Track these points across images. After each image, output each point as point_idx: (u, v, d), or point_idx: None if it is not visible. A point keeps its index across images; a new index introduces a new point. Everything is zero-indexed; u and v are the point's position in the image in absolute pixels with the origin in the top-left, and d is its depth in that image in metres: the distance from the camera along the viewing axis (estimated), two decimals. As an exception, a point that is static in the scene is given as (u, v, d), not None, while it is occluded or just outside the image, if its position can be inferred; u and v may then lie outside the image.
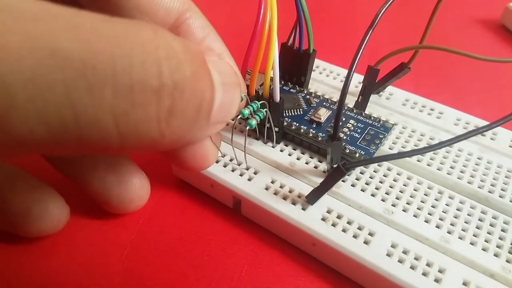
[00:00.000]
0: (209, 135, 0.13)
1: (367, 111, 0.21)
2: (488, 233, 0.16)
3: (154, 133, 0.09)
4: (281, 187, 0.17)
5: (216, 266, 0.17)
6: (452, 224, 0.16)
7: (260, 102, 0.16)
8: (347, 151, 0.18)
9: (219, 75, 0.12)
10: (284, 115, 0.20)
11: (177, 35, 0.12)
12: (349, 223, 0.16)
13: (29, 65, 0.07)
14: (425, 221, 0.16)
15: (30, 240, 0.17)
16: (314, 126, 0.19)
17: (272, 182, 0.18)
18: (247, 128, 0.16)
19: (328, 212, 0.16)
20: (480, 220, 0.16)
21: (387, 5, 0.15)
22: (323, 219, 0.16)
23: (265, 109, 0.17)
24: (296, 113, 0.20)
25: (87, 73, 0.08)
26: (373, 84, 0.20)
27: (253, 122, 0.16)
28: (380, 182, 0.18)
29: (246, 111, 0.16)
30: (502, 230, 0.16)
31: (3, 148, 0.08)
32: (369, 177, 0.18)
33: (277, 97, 0.17)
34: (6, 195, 0.15)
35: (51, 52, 0.08)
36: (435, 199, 0.17)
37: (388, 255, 0.15)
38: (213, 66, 0.11)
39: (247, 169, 0.18)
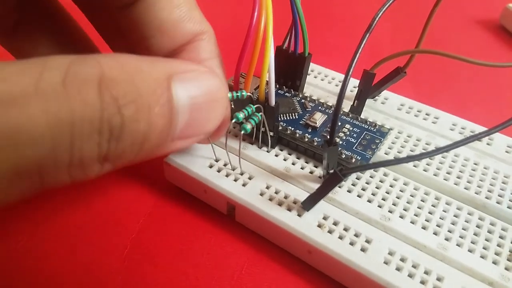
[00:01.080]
0: (183, 147, 0.13)
1: (362, 116, 0.20)
2: (486, 240, 0.16)
3: (97, 168, 0.11)
4: (276, 192, 0.17)
5: (216, 264, 0.16)
6: (449, 231, 0.16)
7: (255, 106, 0.16)
8: (343, 156, 0.18)
9: (189, 94, 0.12)
10: (279, 119, 0.19)
11: (181, 51, 0.13)
12: (345, 230, 0.16)
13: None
14: (422, 228, 0.16)
15: (30, 240, 0.17)
16: (310, 130, 0.19)
17: (267, 187, 0.17)
18: (242, 132, 0.16)
19: (324, 218, 0.16)
20: (478, 226, 0.16)
21: (385, 8, 0.15)
22: (319, 226, 0.16)
23: (260, 113, 0.16)
24: (291, 117, 0.20)
25: (55, 148, 0.09)
26: (369, 89, 0.20)
27: (248, 127, 0.16)
28: (377, 187, 0.17)
29: (241, 115, 0.16)
30: (500, 237, 0.16)
31: None
32: (366, 183, 0.17)
33: (273, 101, 0.17)
34: None
35: (30, 143, 0.09)
36: (432, 205, 0.17)
37: (385, 262, 0.15)
38: (182, 86, 0.11)
39: (242, 174, 0.18)
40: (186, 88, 0.12)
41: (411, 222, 0.16)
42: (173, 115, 0.11)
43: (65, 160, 0.09)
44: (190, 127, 0.12)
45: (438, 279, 0.14)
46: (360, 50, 0.15)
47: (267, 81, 0.16)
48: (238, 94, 0.15)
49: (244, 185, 0.17)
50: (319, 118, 0.19)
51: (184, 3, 0.15)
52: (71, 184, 0.10)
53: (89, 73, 0.09)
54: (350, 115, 0.20)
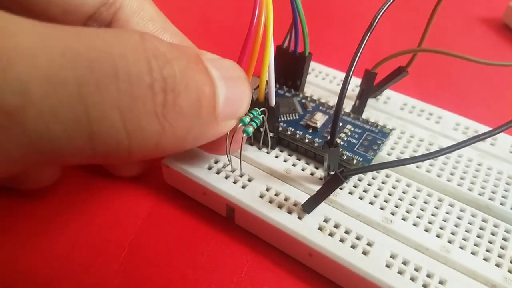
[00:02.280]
0: (222, 133, 0.13)
1: (364, 116, 0.20)
2: (490, 242, 0.15)
3: (155, 127, 0.10)
4: (276, 195, 0.17)
5: (216, 266, 0.16)
6: (452, 233, 0.16)
7: (261, 110, 0.16)
8: (345, 157, 0.17)
9: (219, 70, 0.12)
10: (279, 119, 0.19)
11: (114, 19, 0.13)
12: (347, 232, 0.16)
13: (42, 64, 0.08)
14: (425, 230, 0.16)
15: (28, 242, 0.17)
16: (310, 131, 0.19)
17: (267, 189, 0.17)
18: (244, 135, 0.16)
19: (325, 221, 0.16)
20: (481, 228, 0.16)
21: (386, 7, 0.15)
22: (320, 229, 0.16)
23: (261, 115, 0.16)
24: (291, 118, 0.19)
25: (95, 71, 0.09)
26: (370, 88, 0.20)
27: (250, 129, 0.15)
28: (379, 189, 0.17)
29: (247, 119, 0.15)
30: (504, 239, 0.16)
31: (22, 150, 0.08)
32: (367, 184, 0.17)
33: (273, 102, 0.16)
34: None
35: (62, 51, 0.08)
36: (435, 207, 0.16)
37: (387, 266, 0.15)
38: (211, 63, 0.12)
39: (241, 176, 0.17)
40: (214, 63, 0.12)
41: (413, 224, 0.16)
42: (213, 84, 0.11)
43: (111, 92, 0.09)
44: (229, 105, 0.12)
45: (441, 282, 0.14)
46: (361, 49, 0.14)
47: (267, 81, 0.16)
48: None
49: (243, 187, 0.17)
50: (319, 119, 0.19)
51: (157, 16, 0.16)
52: (129, 141, 0.10)
53: (130, 36, 0.10)
54: (352, 115, 0.20)
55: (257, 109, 0.16)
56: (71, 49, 0.08)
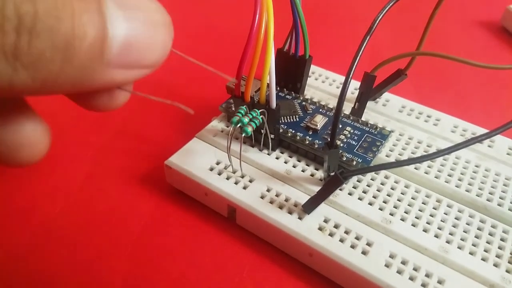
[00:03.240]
0: (120, 81, 0.11)
1: (363, 118, 0.20)
2: (488, 242, 0.16)
3: (2, 65, 0.09)
4: (277, 195, 0.17)
5: (217, 267, 0.16)
6: (451, 234, 0.16)
7: (260, 111, 0.16)
8: (344, 158, 0.18)
9: (124, 10, 0.10)
10: (280, 121, 0.19)
11: None
12: (346, 232, 0.16)
13: None
14: (423, 231, 0.16)
15: (31, 241, 0.17)
16: (311, 133, 0.19)
17: (268, 190, 0.17)
18: (243, 135, 0.16)
19: (325, 221, 0.16)
20: (479, 229, 0.16)
21: (385, 11, 0.15)
22: (320, 229, 0.16)
23: (261, 116, 0.16)
24: (292, 120, 0.20)
25: None
26: (369, 91, 0.20)
27: (249, 129, 0.16)
28: (378, 190, 0.17)
29: (246, 119, 0.16)
30: (502, 240, 0.16)
31: None
32: (367, 185, 0.17)
33: (273, 104, 0.17)
34: None
35: None
36: (434, 208, 0.17)
37: (386, 265, 0.15)
38: (115, 2, 0.10)
39: (242, 177, 0.18)
40: (120, 5, 0.10)
41: (412, 224, 0.16)
42: (105, 28, 0.10)
43: None
44: (129, 53, 0.10)
45: (439, 282, 0.14)
46: (360, 52, 0.15)
47: (267, 83, 0.16)
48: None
49: (244, 188, 0.17)
50: (319, 121, 0.19)
51: None
52: None
53: None
54: (351, 118, 0.20)
55: (256, 109, 0.16)
56: None
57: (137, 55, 0.10)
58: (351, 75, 0.14)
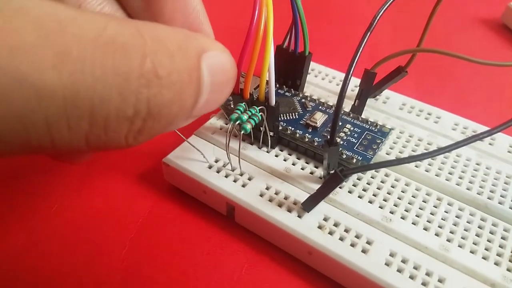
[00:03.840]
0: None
1: (363, 115, 0.20)
2: (488, 241, 0.16)
3: (121, 146, 0.09)
4: (276, 193, 0.17)
5: (216, 264, 0.16)
6: (451, 232, 0.16)
7: (259, 108, 0.16)
8: (344, 156, 0.17)
9: (211, 74, 0.11)
10: (279, 119, 0.19)
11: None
12: (346, 231, 0.16)
13: (17, 107, 0.07)
14: (424, 229, 0.16)
15: (29, 240, 0.17)
16: (310, 130, 0.19)
17: (267, 188, 0.17)
18: (242, 132, 0.16)
19: (325, 219, 0.16)
20: (479, 227, 0.16)
21: (386, 7, 0.15)
22: (320, 227, 0.16)
23: (260, 113, 0.16)
24: (291, 117, 0.19)
25: (67, 109, 0.08)
26: (370, 88, 0.20)
27: (248, 126, 0.16)
28: (378, 188, 0.17)
29: (245, 117, 0.15)
30: (502, 238, 0.16)
31: None
32: (367, 183, 0.17)
33: (273, 101, 0.16)
34: None
35: (37, 93, 0.07)
36: (434, 206, 0.17)
37: (386, 264, 0.15)
38: (207, 65, 0.11)
39: (241, 174, 0.18)
40: (210, 69, 0.11)
41: (412, 223, 0.16)
42: (199, 94, 0.11)
43: (82, 126, 0.08)
44: (206, 106, 0.11)
45: (440, 281, 0.14)
46: (361, 49, 0.14)
47: (267, 80, 0.16)
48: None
49: (243, 185, 0.17)
50: (319, 118, 0.19)
51: None
52: (88, 150, 0.09)
53: (130, 42, 0.08)
54: (351, 115, 0.20)
55: (255, 107, 0.16)
56: (46, 88, 0.07)
57: (210, 107, 0.12)
58: (351, 72, 0.14)
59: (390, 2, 0.15)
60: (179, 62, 0.10)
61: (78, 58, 0.08)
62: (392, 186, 0.17)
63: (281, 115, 0.19)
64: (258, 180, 0.17)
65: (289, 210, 0.16)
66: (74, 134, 0.08)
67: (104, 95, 0.08)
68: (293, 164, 0.18)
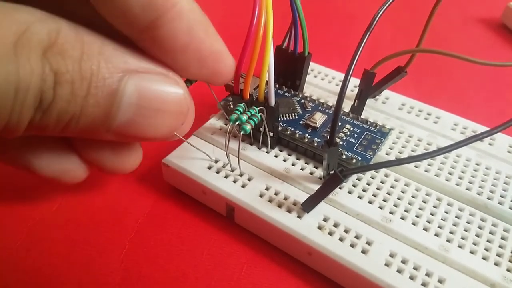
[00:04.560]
0: (120, 140, 0.13)
1: (363, 116, 0.20)
2: (488, 241, 0.16)
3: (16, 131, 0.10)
4: (275, 194, 0.17)
5: (216, 265, 0.16)
6: (451, 232, 0.16)
7: (258, 108, 0.16)
8: (344, 157, 0.17)
9: (139, 98, 0.11)
10: (279, 119, 0.19)
11: (154, 40, 0.12)
12: (346, 231, 0.16)
13: None
14: (423, 229, 0.16)
15: (29, 240, 0.17)
16: (310, 131, 0.19)
17: (267, 188, 0.17)
18: (241, 133, 0.16)
19: (325, 220, 0.16)
20: (479, 227, 0.16)
21: (385, 7, 0.15)
22: (319, 228, 0.16)
23: (259, 114, 0.16)
24: (291, 118, 0.19)
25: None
26: (369, 88, 0.20)
27: (248, 127, 0.16)
28: (378, 189, 0.17)
29: (244, 117, 0.15)
30: (502, 238, 0.16)
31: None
32: (366, 184, 0.17)
33: (272, 101, 0.16)
34: None
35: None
36: (434, 206, 0.17)
37: (386, 264, 0.15)
38: (137, 84, 0.11)
39: (241, 175, 0.18)
40: (139, 89, 0.11)
41: (412, 223, 0.16)
42: (112, 109, 0.11)
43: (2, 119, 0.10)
44: (130, 127, 0.12)
45: (440, 281, 0.14)
46: (360, 49, 0.14)
47: (266, 81, 0.16)
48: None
49: (243, 186, 0.17)
50: (319, 118, 0.19)
51: None
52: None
53: (41, 40, 0.09)
54: (351, 115, 0.20)
55: (254, 107, 0.16)
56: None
57: (137, 130, 0.12)
58: (350, 73, 0.14)
59: (389, 2, 0.15)
60: (85, 67, 0.10)
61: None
62: (392, 187, 0.17)
63: (281, 115, 0.19)
64: (257, 180, 0.17)
65: (289, 211, 0.16)
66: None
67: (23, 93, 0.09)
68: (293, 165, 0.18)
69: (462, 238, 0.16)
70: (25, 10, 0.10)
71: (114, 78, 0.11)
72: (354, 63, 0.14)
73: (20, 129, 0.10)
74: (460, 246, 0.15)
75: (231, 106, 0.20)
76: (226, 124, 0.20)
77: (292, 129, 0.19)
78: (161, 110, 0.12)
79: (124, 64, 0.11)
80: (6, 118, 0.10)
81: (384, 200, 0.17)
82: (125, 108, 0.11)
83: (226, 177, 0.17)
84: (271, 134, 0.18)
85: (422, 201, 0.17)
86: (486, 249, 0.15)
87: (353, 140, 0.18)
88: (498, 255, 0.15)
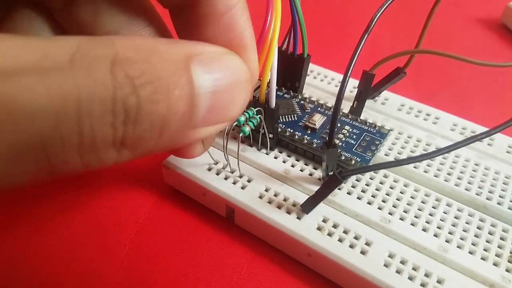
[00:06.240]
0: (205, 137, 0.12)
1: (362, 117, 0.20)
2: (487, 241, 0.16)
3: (112, 155, 0.10)
4: (275, 195, 0.17)
5: (216, 266, 0.16)
6: (450, 233, 0.16)
7: (256, 109, 0.16)
8: (343, 158, 0.17)
9: (213, 73, 0.11)
10: (279, 121, 0.19)
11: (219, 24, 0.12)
12: (345, 232, 0.16)
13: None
14: (422, 230, 0.16)
15: (30, 240, 0.17)
16: (309, 132, 0.19)
17: (266, 190, 0.17)
18: (241, 135, 0.16)
19: (324, 221, 0.16)
20: (478, 228, 0.16)
21: (383, 8, 0.15)
22: (319, 229, 0.16)
23: (259, 116, 0.16)
24: (290, 119, 0.20)
25: (60, 126, 0.08)
26: (368, 89, 0.20)
27: (247, 129, 0.16)
28: (377, 189, 0.17)
29: (242, 118, 0.15)
30: (501, 238, 0.16)
31: None
32: (365, 185, 0.17)
33: (273, 103, 0.17)
34: None
35: (28, 117, 0.08)
36: (433, 207, 0.17)
37: (385, 265, 0.15)
38: (204, 66, 0.11)
39: (241, 176, 0.18)
40: (206, 70, 0.11)
41: (411, 224, 0.16)
42: (194, 98, 0.11)
43: (73, 140, 0.09)
44: (213, 113, 0.11)
45: (439, 282, 0.14)
46: (359, 50, 0.15)
47: (268, 82, 0.16)
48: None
49: (243, 187, 0.17)
50: (318, 120, 0.19)
51: None
52: (85, 170, 0.10)
53: (101, 53, 0.09)
54: (350, 116, 0.20)
55: (252, 108, 0.16)
56: (37, 107, 0.08)
57: (221, 113, 0.12)
58: (349, 74, 0.14)
59: (388, 3, 0.15)
60: (155, 63, 0.10)
61: (56, 70, 0.08)
62: (391, 187, 0.17)
63: (280, 116, 0.19)
64: (257, 182, 0.17)
65: (289, 212, 0.16)
66: (67, 150, 0.09)
67: (87, 105, 0.09)
68: (292, 166, 0.18)
69: (461, 239, 0.16)
70: (68, 36, 0.09)
71: (182, 67, 0.10)
72: (353, 64, 0.14)
73: (106, 146, 0.09)
74: (459, 247, 0.15)
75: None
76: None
77: (292, 130, 0.19)
78: (232, 86, 0.12)
79: (182, 50, 0.11)
80: (74, 132, 0.09)
81: (383, 201, 0.17)
82: (203, 93, 0.11)
83: (226, 178, 0.17)
84: (270, 135, 0.18)
85: (421, 202, 0.17)
86: (485, 250, 0.15)
87: (352, 141, 0.18)
88: (497, 255, 0.15)
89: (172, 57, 0.10)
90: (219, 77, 0.11)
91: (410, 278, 0.14)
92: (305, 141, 0.18)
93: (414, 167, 0.18)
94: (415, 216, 0.16)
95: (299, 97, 0.21)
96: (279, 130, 0.19)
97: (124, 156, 0.10)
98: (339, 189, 0.17)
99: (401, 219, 0.16)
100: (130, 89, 0.09)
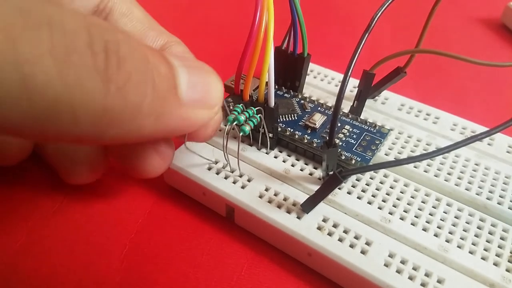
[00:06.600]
0: (193, 121, 0.13)
1: (362, 116, 0.20)
2: (487, 241, 0.16)
3: (97, 84, 0.09)
4: (275, 195, 0.17)
5: (216, 265, 0.16)
6: (450, 233, 0.16)
7: (256, 109, 0.16)
8: (343, 157, 0.17)
9: (182, 60, 0.12)
10: (278, 120, 0.19)
11: None
12: (345, 232, 0.16)
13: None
14: (423, 230, 0.16)
15: (29, 240, 0.17)
16: (309, 131, 0.19)
17: (266, 189, 0.17)
18: (241, 134, 0.16)
19: (324, 220, 0.16)
20: (479, 228, 0.16)
21: (384, 8, 0.15)
22: (319, 228, 0.16)
23: (259, 115, 0.16)
24: (290, 119, 0.20)
25: (23, 14, 0.08)
26: (368, 89, 0.20)
27: (247, 128, 0.16)
28: (377, 189, 0.17)
29: (242, 117, 0.15)
30: (501, 238, 0.16)
31: None
32: (366, 184, 0.17)
33: (272, 102, 0.17)
34: None
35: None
36: (433, 207, 0.17)
37: (386, 265, 0.15)
38: (174, 55, 0.12)
39: (241, 176, 0.18)
40: (177, 56, 0.12)
41: (411, 223, 0.16)
42: (171, 66, 0.11)
43: (43, 42, 0.09)
44: (193, 89, 0.12)
45: (439, 281, 0.14)
46: (359, 50, 0.14)
47: (266, 82, 0.16)
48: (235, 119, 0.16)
49: (243, 187, 0.17)
50: (318, 119, 0.19)
51: (144, 18, 0.16)
52: (73, 112, 0.09)
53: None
54: (350, 116, 0.20)
55: (252, 108, 0.16)
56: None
57: (200, 93, 0.12)
58: (349, 73, 0.14)
59: (388, 2, 0.15)
60: (129, 44, 0.10)
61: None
62: (391, 187, 0.17)
63: (280, 116, 0.19)
64: (257, 181, 0.17)
65: (289, 212, 0.16)
66: (35, 44, 0.08)
67: (57, 13, 0.09)
68: (292, 165, 0.18)
69: (462, 238, 0.16)
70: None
71: (157, 51, 0.11)
72: (353, 63, 0.14)
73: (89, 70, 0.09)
74: (459, 246, 0.15)
75: (232, 107, 0.20)
76: (226, 125, 0.20)
77: (292, 130, 0.19)
78: (200, 67, 0.13)
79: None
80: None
81: (384, 201, 0.17)
82: (178, 65, 0.12)
83: (226, 178, 0.17)
84: (270, 135, 0.18)
85: (422, 202, 0.17)
86: (485, 249, 0.15)
87: (352, 141, 0.18)
88: (497, 255, 0.15)
89: (145, 44, 0.12)
90: (190, 62, 0.12)
91: (410, 278, 0.14)
92: (305, 141, 0.18)
93: (414, 167, 0.18)
94: (415, 216, 0.16)
95: (299, 97, 0.21)
96: (279, 129, 0.19)
97: (113, 92, 0.10)
98: (339, 188, 0.17)
99: (401, 218, 0.16)
100: (105, 31, 0.10)
